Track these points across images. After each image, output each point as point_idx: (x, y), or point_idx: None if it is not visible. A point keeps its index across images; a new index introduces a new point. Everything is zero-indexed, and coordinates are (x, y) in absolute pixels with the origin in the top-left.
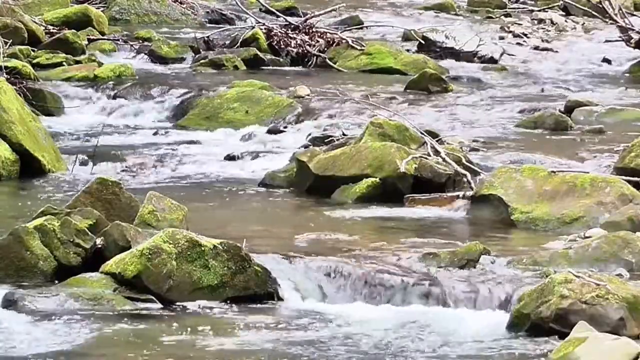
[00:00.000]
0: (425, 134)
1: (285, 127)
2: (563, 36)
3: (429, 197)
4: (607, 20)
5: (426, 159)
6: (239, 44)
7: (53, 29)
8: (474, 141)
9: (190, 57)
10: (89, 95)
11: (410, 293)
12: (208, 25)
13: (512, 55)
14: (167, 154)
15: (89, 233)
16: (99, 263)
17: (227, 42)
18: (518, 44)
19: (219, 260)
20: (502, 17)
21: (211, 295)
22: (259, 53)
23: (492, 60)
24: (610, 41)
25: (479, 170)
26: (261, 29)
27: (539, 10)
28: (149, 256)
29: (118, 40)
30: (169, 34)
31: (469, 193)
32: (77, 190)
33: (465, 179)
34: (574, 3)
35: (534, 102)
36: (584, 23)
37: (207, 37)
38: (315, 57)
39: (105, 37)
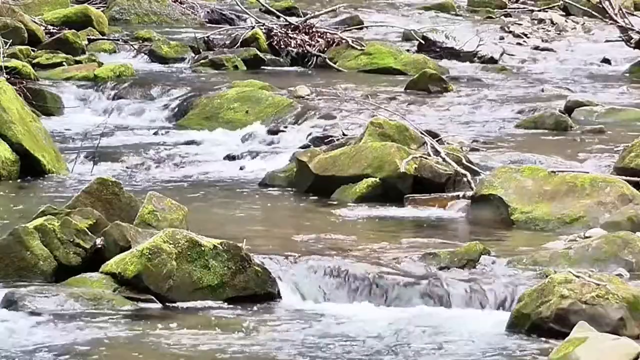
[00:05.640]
0: (425, 134)
1: (285, 127)
2: (563, 36)
3: (429, 197)
4: (607, 20)
5: (426, 159)
6: (239, 44)
7: (53, 29)
8: (474, 141)
9: (190, 57)
10: (89, 95)
11: (410, 293)
12: (208, 25)
13: (512, 55)
14: (167, 154)
15: (89, 233)
16: (99, 263)
17: (227, 42)
18: (518, 44)
19: (219, 260)
20: (502, 17)
21: (211, 295)
22: (259, 53)
23: (492, 60)
24: (610, 41)
25: (479, 170)
26: (261, 29)
27: (539, 10)
28: (149, 256)
29: (118, 40)
30: (169, 34)
31: (469, 193)
32: (77, 190)
33: (465, 179)
34: (574, 3)
35: (534, 102)
36: (584, 23)
37: (207, 37)
38: (315, 57)
39: (105, 37)
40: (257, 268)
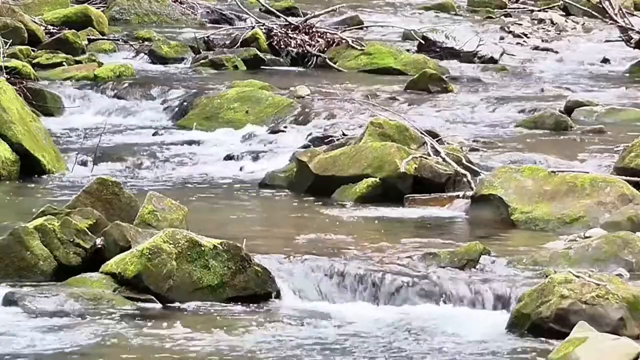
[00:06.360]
0: (425, 134)
1: (285, 127)
2: (563, 36)
3: (429, 197)
4: (607, 20)
5: (426, 159)
6: (239, 44)
7: (53, 29)
8: (474, 141)
9: (190, 57)
10: (89, 95)
11: (410, 293)
12: (208, 25)
13: (512, 55)
14: (167, 154)
15: (89, 233)
16: (99, 263)
17: (227, 42)
18: (518, 44)
19: (219, 260)
20: (502, 17)
21: (211, 295)
22: (259, 53)
23: (492, 60)
24: (610, 41)
25: (479, 170)
26: (261, 29)
27: (539, 10)
28: (149, 256)
29: (118, 40)
30: (169, 34)
31: (469, 193)
32: (77, 190)
33: (465, 179)
34: (574, 3)
35: (534, 102)
36: (584, 23)
37: (207, 37)
38: (315, 57)
39: (105, 37)
40: (257, 268)
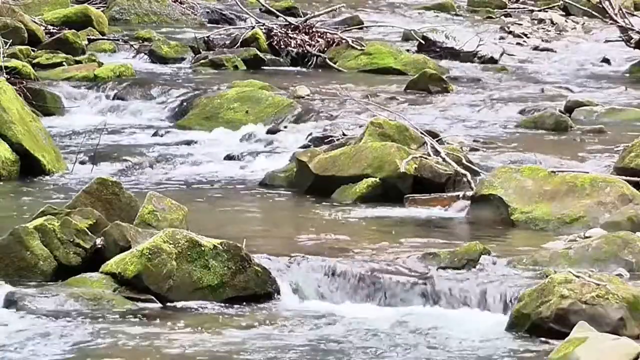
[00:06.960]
0: (425, 134)
1: (285, 127)
2: (563, 36)
3: (429, 197)
4: (607, 20)
5: (426, 159)
6: (239, 44)
7: (53, 29)
8: (474, 141)
9: (190, 57)
10: (89, 95)
11: (410, 293)
12: (208, 25)
13: (512, 55)
14: (167, 154)
15: (89, 233)
16: (99, 263)
17: (227, 42)
18: (518, 44)
19: (219, 260)
20: (502, 17)
21: (211, 295)
22: (259, 53)
23: (492, 60)
24: (610, 41)
25: (479, 170)
26: (261, 29)
27: (539, 10)
28: (149, 256)
29: (118, 40)
30: (169, 34)
31: (469, 193)
32: (77, 190)
33: (465, 179)
34: (574, 3)
35: (534, 102)
36: (584, 23)
37: (207, 37)
38: (315, 57)
39: (105, 37)
40: (257, 268)
